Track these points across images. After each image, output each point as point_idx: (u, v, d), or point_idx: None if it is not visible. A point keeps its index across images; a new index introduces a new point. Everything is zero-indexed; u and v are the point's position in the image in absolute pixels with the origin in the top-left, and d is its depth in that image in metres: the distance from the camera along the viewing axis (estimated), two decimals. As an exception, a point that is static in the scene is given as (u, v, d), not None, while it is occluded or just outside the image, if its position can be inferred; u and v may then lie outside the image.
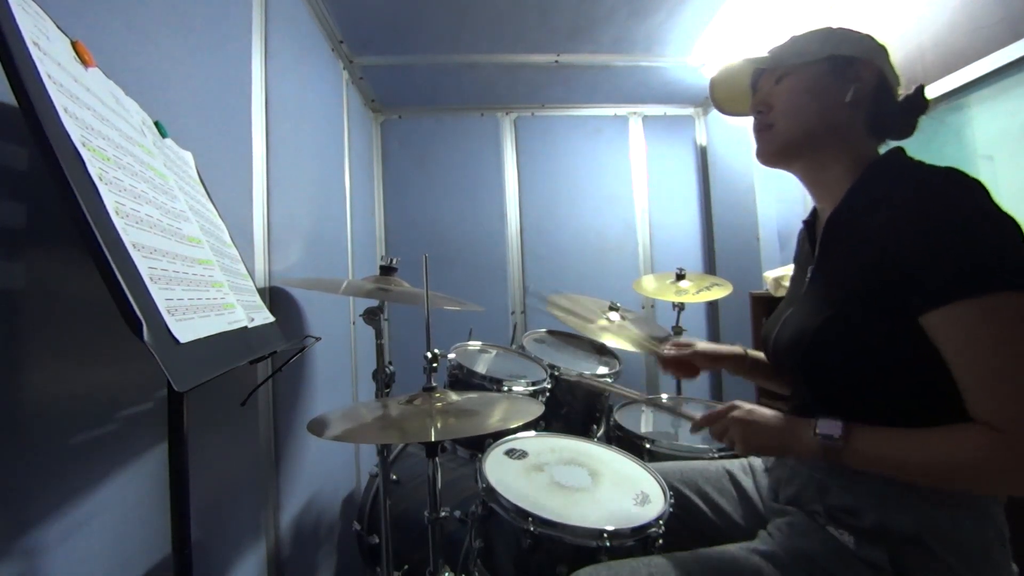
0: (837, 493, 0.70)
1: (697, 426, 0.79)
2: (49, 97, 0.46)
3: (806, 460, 0.75)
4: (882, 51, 0.73)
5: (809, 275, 0.78)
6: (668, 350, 1.02)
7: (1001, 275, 0.55)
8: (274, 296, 1.24)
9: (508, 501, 0.86)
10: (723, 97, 0.88)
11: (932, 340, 0.59)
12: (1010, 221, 0.58)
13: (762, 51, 0.78)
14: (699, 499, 0.91)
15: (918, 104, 0.73)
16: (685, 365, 1.02)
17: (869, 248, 0.65)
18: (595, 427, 1.60)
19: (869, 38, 0.73)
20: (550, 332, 1.93)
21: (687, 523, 0.89)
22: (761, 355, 0.99)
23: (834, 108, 0.72)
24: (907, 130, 0.75)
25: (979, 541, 0.62)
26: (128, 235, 0.50)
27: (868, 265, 0.64)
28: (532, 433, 1.18)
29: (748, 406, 0.74)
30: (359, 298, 1.82)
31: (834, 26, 0.75)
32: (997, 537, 0.63)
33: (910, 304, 0.60)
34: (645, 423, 1.46)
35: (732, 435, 0.73)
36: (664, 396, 1.70)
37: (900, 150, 0.71)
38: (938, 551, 0.62)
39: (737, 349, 1.00)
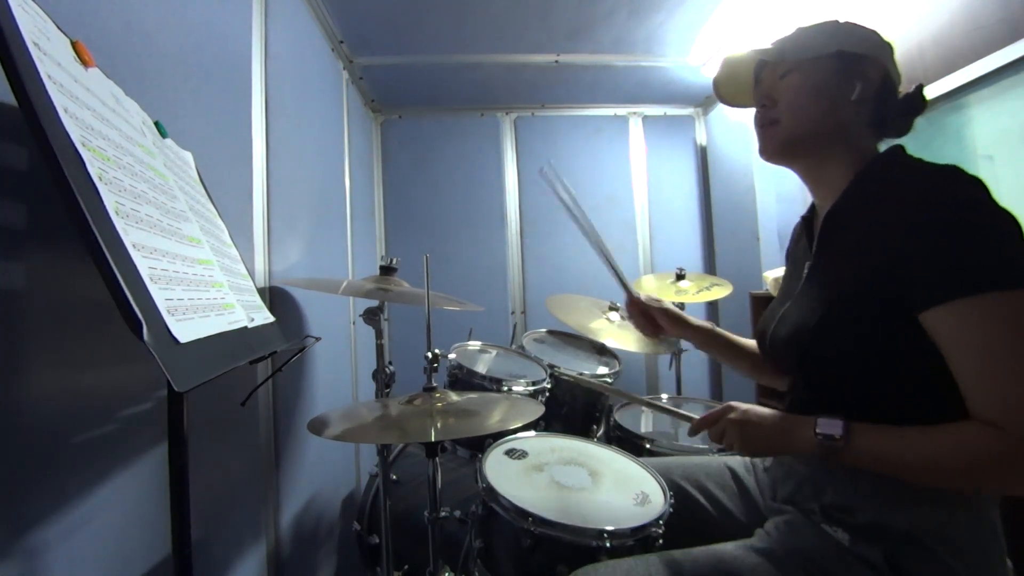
0: (832, 491, 0.70)
1: (695, 429, 0.79)
2: (49, 97, 0.46)
3: (804, 458, 0.75)
4: (888, 48, 0.73)
5: (806, 271, 0.78)
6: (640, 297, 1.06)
7: (1001, 273, 0.55)
8: (274, 296, 1.24)
9: (508, 501, 0.86)
10: (726, 89, 0.87)
11: (931, 337, 0.59)
12: (1010, 218, 0.58)
13: (766, 43, 0.77)
14: (700, 494, 0.91)
15: (917, 104, 0.73)
16: (650, 318, 1.05)
17: (869, 244, 0.65)
18: (595, 427, 1.60)
19: (875, 34, 0.73)
20: (550, 332, 1.93)
21: (688, 518, 0.89)
22: (735, 338, 1.03)
23: (840, 106, 0.72)
24: (904, 128, 0.75)
25: (974, 538, 0.63)
26: (128, 235, 0.50)
27: (867, 262, 0.64)
28: (532, 433, 1.18)
29: (744, 406, 0.74)
30: (359, 298, 1.82)
31: (840, 20, 0.74)
32: (991, 534, 0.64)
33: (909, 301, 0.60)
34: (645, 423, 1.46)
35: (731, 438, 0.73)
36: (664, 396, 1.70)
37: (900, 148, 0.71)
38: (933, 548, 0.62)
39: (706, 324, 1.03)
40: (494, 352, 1.73)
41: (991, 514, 0.64)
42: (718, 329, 1.03)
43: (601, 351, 1.84)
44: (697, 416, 0.80)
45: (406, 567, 1.26)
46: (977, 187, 0.59)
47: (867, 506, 0.66)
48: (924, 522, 0.63)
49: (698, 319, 1.05)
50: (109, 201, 0.49)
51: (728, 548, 0.73)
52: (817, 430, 0.64)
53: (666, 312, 1.03)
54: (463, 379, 1.46)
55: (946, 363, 0.59)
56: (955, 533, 0.62)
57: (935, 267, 0.58)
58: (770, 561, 0.69)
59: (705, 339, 1.03)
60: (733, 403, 0.75)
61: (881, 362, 0.64)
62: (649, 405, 0.97)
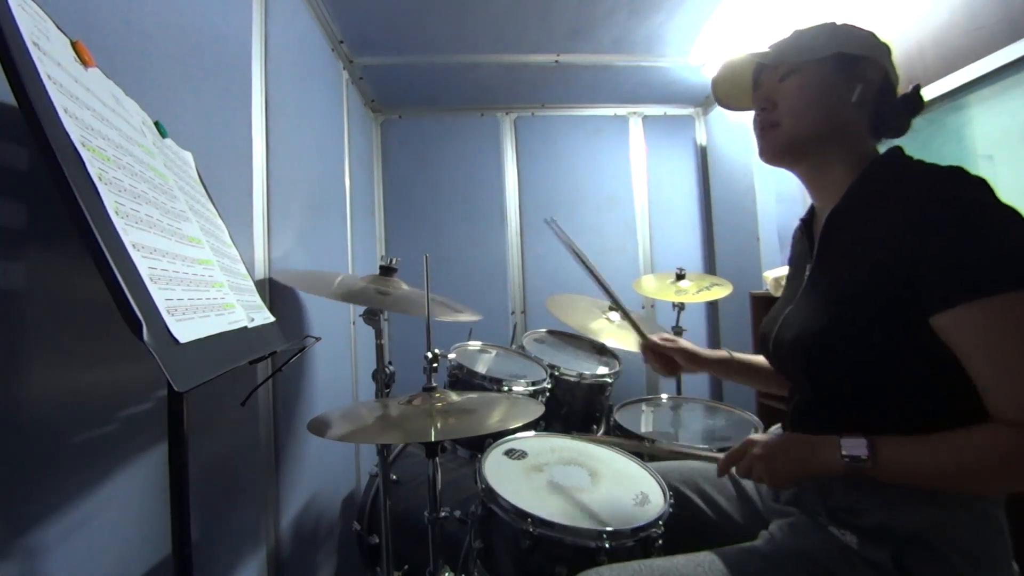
0: (839, 493, 0.70)
1: (722, 469, 0.76)
2: (49, 97, 0.46)
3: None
4: (885, 49, 0.73)
5: (808, 273, 0.77)
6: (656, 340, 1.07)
7: (1014, 273, 0.55)
8: (274, 296, 1.24)
9: (507, 502, 0.86)
10: (725, 92, 0.86)
11: (944, 340, 0.59)
12: (1017, 216, 0.57)
13: (764, 46, 0.77)
14: (699, 499, 0.91)
15: (915, 104, 0.73)
16: (666, 359, 1.06)
17: (872, 245, 0.65)
18: (595, 427, 1.60)
19: (873, 35, 0.73)
20: (550, 332, 1.93)
21: (687, 523, 0.89)
22: (749, 358, 1.02)
23: (841, 108, 0.72)
24: (903, 129, 0.75)
25: (977, 537, 0.63)
26: (128, 235, 0.50)
27: (874, 264, 0.64)
28: (532, 433, 1.18)
29: (763, 438, 0.72)
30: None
31: (838, 22, 0.74)
32: (996, 534, 0.64)
33: (920, 304, 0.59)
34: (645, 423, 1.46)
35: (759, 472, 0.70)
36: (664, 396, 1.70)
37: (899, 149, 0.71)
38: (941, 550, 0.62)
39: (722, 353, 1.03)
40: (494, 352, 1.73)
41: (994, 513, 0.64)
42: (736, 355, 1.02)
43: (601, 351, 1.84)
44: (721, 457, 0.77)
45: (406, 567, 1.26)
46: (980, 187, 0.59)
47: (874, 508, 0.66)
48: (932, 524, 0.63)
49: (713, 351, 1.05)
50: (109, 201, 0.49)
51: (732, 551, 0.73)
52: (843, 452, 0.62)
53: (682, 351, 1.03)
54: (463, 379, 1.46)
55: (951, 363, 0.59)
56: (957, 532, 0.62)
57: (945, 269, 0.57)
58: (775, 564, 0.69)
59: (723, 368, 1.03)
60: (753, 437, 0.73)
61: (888, 365, 0.64)
62: (672, 451, 0.99)
